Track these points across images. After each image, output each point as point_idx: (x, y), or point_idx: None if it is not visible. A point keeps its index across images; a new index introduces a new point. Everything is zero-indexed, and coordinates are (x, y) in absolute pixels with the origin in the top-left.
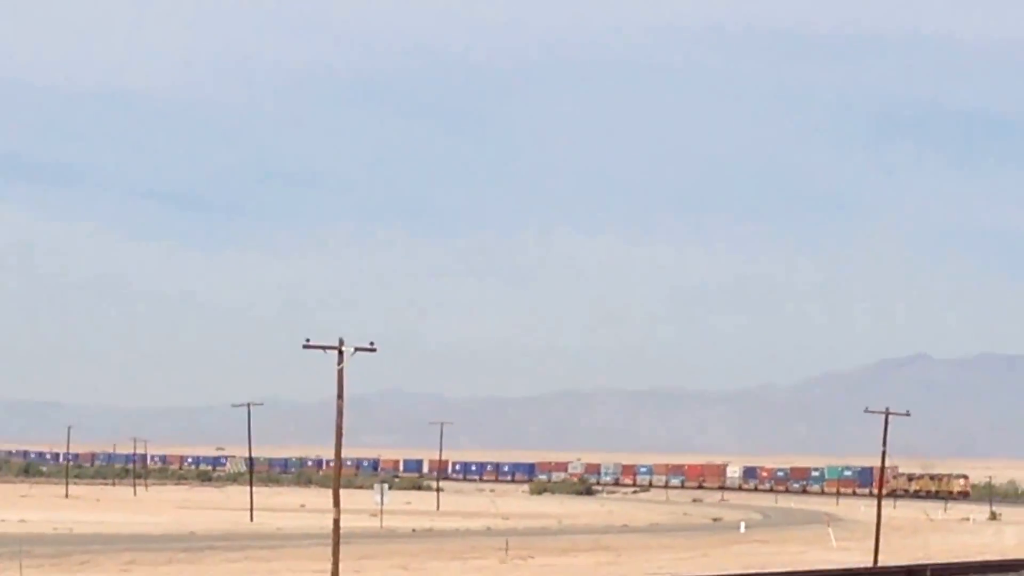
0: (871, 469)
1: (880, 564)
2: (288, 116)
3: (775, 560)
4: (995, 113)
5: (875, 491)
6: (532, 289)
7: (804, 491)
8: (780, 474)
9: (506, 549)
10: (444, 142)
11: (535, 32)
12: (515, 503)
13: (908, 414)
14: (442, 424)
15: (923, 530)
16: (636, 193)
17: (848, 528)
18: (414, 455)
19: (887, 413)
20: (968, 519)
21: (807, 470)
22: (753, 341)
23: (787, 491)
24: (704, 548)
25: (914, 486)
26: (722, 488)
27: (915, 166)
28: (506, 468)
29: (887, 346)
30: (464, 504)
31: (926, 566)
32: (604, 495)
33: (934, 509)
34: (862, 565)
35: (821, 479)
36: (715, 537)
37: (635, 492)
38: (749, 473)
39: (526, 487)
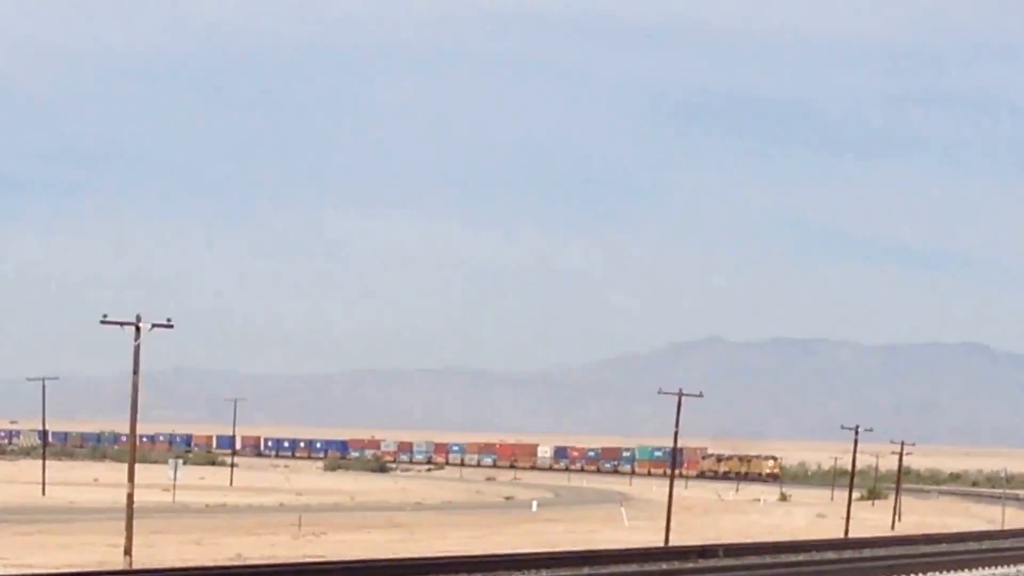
0: (683, 450)
1: (672, 543)
2: (80, 95)
3: (567, 539)
4: (790, 99)
5: (687, 472)
6: (328, 268)
7: (615, 471)
8: (591, 454)
9: (299, 525)
10: (239, 123)
11: (315, 10)
12: (309, 479)
13: (701, 395)
14: (236, 400)
15: (714, 510)
16: (438, 175)
17: (641, 507)
18: (209, 431)
19: (680, 395)
20: (759, 500)
21: (618, 450)
22: (546, 323)
23: (598, 471)
24: (497, 526)
25: (724, 467)
26: (533, 468)
27: (711, 151)
28: (318, 445)
29: (681, 329)
30: (258, 480)
31: (718, 546)
32: (398, 472)
33: (726, 490)
34: (654, 545)
35: (632, 459)
36: (507, 515)
37: (429, 470)
38: (560, 453)
39: (320, 464)
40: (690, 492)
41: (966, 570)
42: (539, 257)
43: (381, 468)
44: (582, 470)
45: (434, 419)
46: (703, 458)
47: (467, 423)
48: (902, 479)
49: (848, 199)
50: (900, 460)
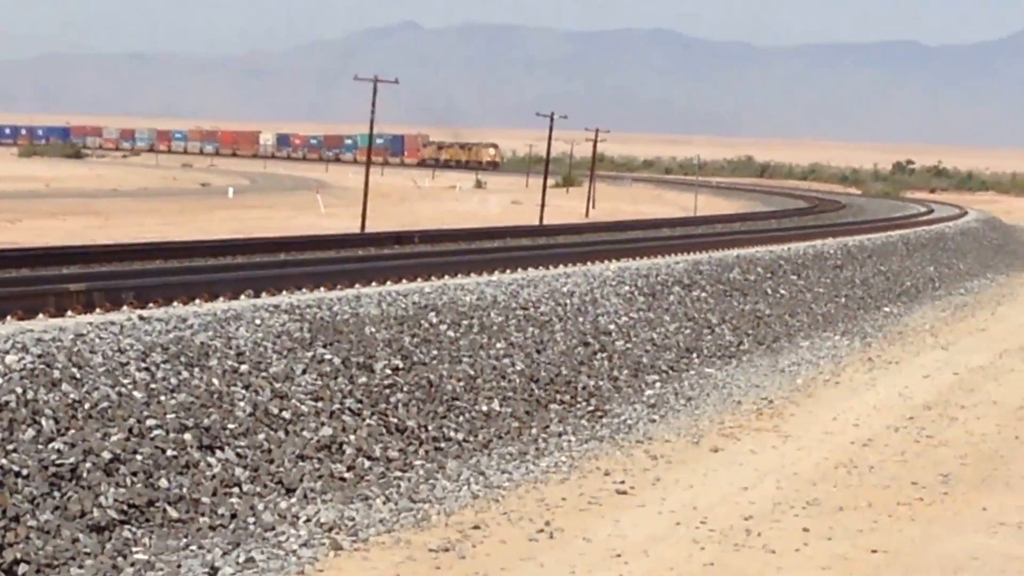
0: (403, 137)
1: (368, 231)
2: None
3: (264, 225)
4: None
5: (408, 160)
6: None
7: (337, 159)
8: (313, 142)
9: None
10: None
11: None
12: (2, 166)
13: (397, 82)
14: None
15: (411, 198)
16: None
17: (337, 195)
18: None
19: (375, 81)
20: (455, 187)
21: (341, 138)
22: (240, 8)
23: (320, 159)
24: (192, 213)
25: (444, 155)
26: (256, 156)
27: None
28: (40, 132)
29: (374, 14)
30: None
31: (414, 232)
32: (93, 159)
33: (422, 177)
34: (350, 232)
35: (354, 147)
36: (204, 202)
37: (124, 156)
38: (283, 140)
39: (14, 150)
40: (386, 179)
41: (660, 256)
42: None
43: (76, 154)
44: (304, 158)
45: (129, 105)
46: (424, 146)
47: (164, 108)
48: (596, 166)
49: None
50: (595, 146)
